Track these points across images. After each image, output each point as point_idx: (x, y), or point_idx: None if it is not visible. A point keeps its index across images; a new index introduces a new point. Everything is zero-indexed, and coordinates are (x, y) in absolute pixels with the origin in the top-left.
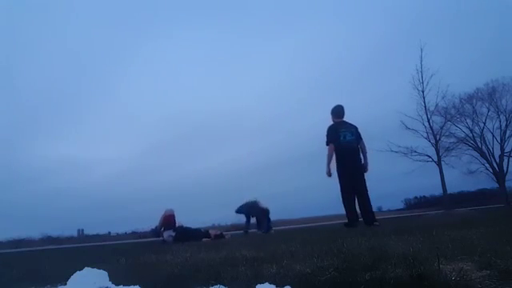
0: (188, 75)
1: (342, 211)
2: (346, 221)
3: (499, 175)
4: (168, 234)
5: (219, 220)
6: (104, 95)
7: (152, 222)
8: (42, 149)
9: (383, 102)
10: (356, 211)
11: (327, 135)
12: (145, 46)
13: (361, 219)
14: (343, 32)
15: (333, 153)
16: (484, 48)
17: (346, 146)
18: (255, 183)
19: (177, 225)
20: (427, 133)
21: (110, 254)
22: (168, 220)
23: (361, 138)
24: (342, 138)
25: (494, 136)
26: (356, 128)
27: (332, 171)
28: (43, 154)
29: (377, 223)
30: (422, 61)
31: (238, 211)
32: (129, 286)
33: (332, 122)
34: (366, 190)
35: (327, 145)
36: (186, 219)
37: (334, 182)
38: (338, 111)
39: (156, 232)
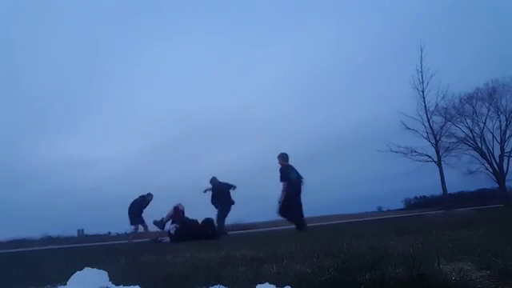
0: (190, 74)
1: (342, 212)
2: (295, 226)
3: (499, 175)
4: (173, 226)
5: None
6: (105, 94)
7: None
8: (42, 148)
9: (383, 102)
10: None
11: (283, 174)
12: (146, 46)
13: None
14: (343, 32)
15: (288, 188)
16: (484, 48)
17: (294, 181)
18: (256, 183)
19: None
20: (427, 133)
21: (110, 254)
22: (177, 214)
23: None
24: (291, 176)
25: (494, 136)
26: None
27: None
28: (43, 153)
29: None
30: (422, 61)
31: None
32: (129, 285)
33: (280, 165)
34: None
35: (281, 181)
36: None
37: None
38: (286, 157)
39: (162, 224)
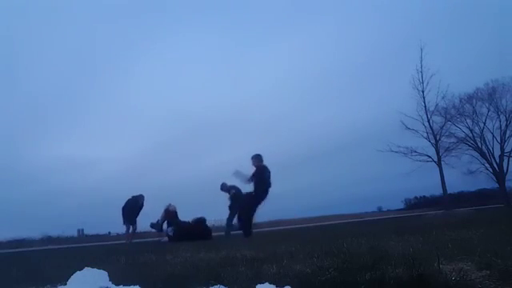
0: (190, 74)
1: (342, 212)
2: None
3: (499, 175)
4: (170, 229)
5: (223, 221)
6: (105, 94)
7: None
8: (42, 148)
9: (383, 102)
10: None
11: (260, 176)
12: (146, 45)
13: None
14: (344, 32)
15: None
16: (484, 48)
17: (267, 186)
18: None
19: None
20: (427, 133)
21: (110, 254)
22: (169, 215)
23: None
24: (268, 181)
25: (494, 136)
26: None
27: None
28: (43, 153)
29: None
30: (422, 61)
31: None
32: (129, 285)
33: (255, 167)
34: None
35: (253, 181)
36: (188, 219)
37: (334, 186)
38: (261, 158)
39: (157, 226)
